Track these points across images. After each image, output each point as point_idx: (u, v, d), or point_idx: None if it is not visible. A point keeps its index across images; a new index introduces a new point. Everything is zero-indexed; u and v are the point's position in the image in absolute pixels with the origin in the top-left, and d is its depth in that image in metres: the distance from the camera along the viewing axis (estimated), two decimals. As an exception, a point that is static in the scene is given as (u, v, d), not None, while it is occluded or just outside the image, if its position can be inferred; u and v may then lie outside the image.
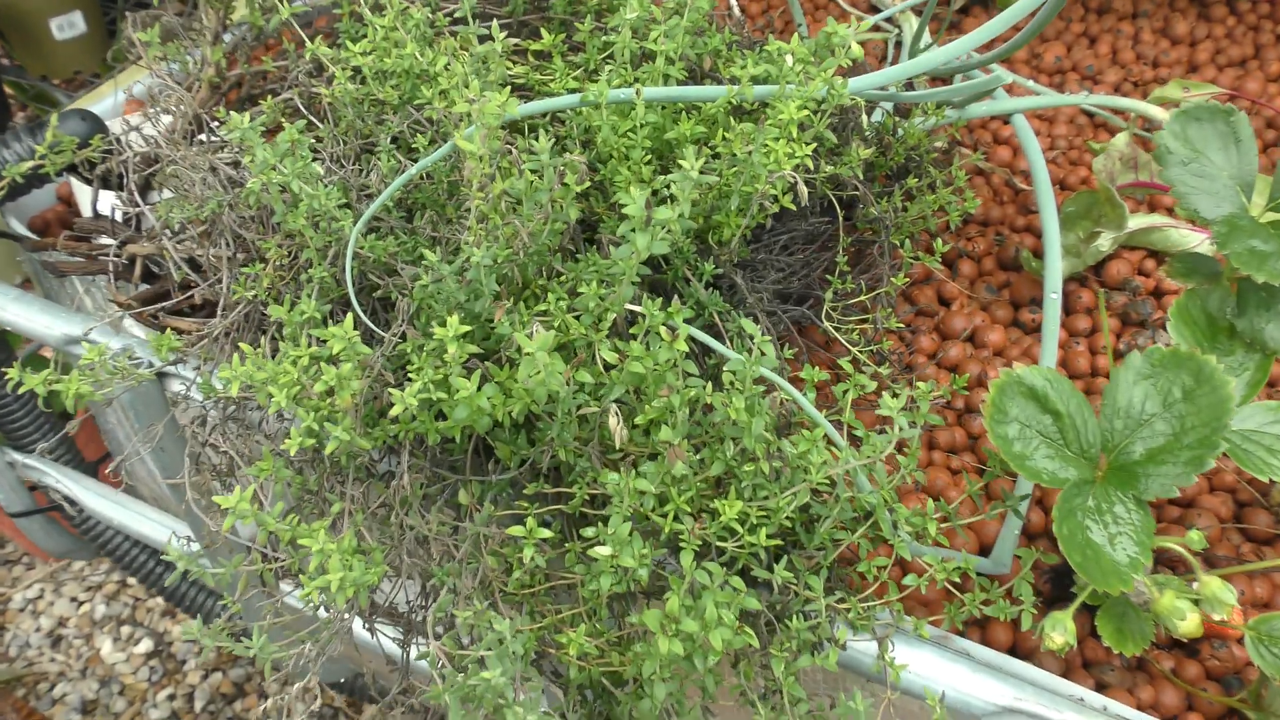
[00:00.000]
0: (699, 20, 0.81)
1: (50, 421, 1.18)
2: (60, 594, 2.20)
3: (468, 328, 0.55)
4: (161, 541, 1.09)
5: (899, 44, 1.28)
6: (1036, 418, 0.62)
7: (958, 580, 0.63)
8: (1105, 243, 0.93)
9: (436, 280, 0.58)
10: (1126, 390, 0.62)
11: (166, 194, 0.94)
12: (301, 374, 0.59)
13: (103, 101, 1.18)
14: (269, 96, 0.98)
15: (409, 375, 0.57)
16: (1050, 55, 1.27)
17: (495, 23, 0.72)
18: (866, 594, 0.64)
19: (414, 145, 0.73)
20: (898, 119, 0.92)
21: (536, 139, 0.78)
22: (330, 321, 0.68)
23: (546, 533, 0.57)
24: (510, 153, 0.64)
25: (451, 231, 0.71)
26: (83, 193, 1.04)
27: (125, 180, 0.84)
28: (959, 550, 0.72)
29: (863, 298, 0.81)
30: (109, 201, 0.98)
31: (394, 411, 0.55)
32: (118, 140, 0.95)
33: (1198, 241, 0.95)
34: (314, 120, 0.88)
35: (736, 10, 1.38)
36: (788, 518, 0.60)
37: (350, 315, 0.57)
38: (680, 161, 0.55)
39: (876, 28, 1.35)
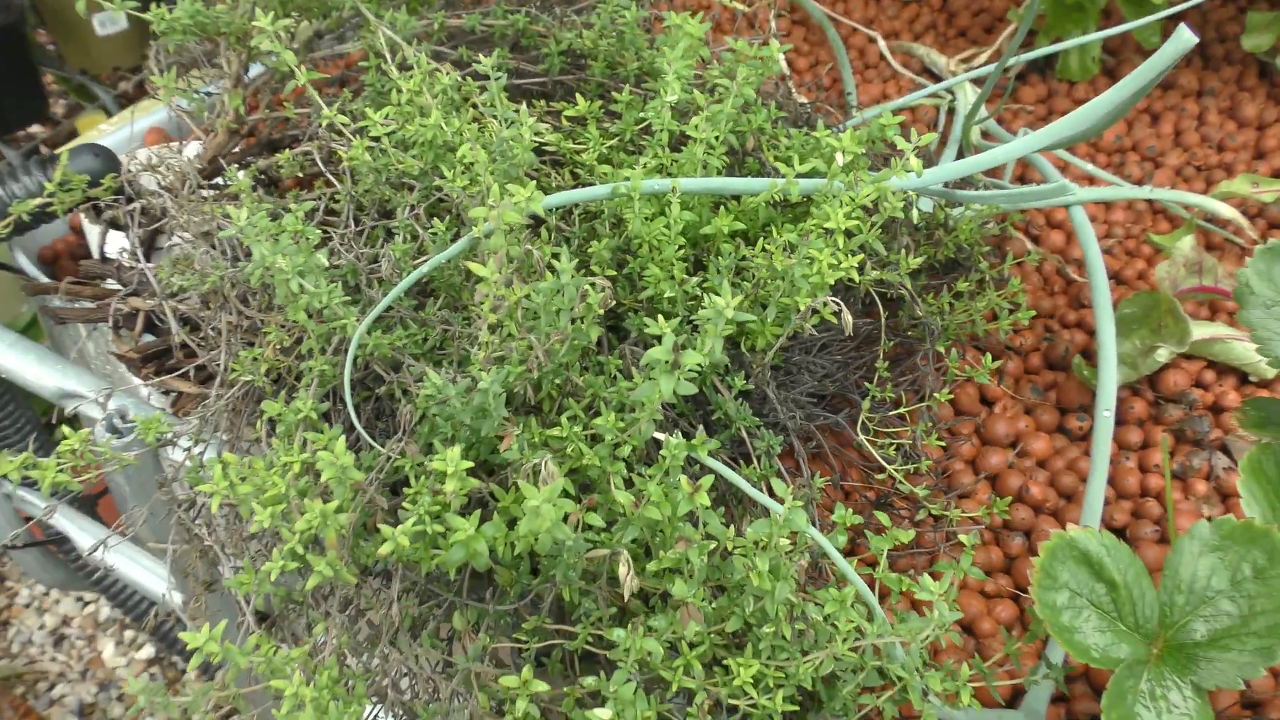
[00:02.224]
0: (747, 98, 0.76)
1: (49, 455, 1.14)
2: (66, 592, 2.18)
3: (469, 463, 0.50)
4: (153, 591, 1.05)
5: (951, 111, 1.23)
6: (1089, 585, 0.56)
7: (991, 754, 0.58)
8: (1164, 355, 0.87)
9: (442, 401, 0.53)
10: (1191, 562, 0.56)
11: (175, 241, 0.89)
12: (289, 489, 0.54)
13: (119, 132, 1.14)
14: (290, 146, 0.93)
15: (404, 503, 0.52)
16: (1110, 133, 1.21)
17: (524, 108, 0.67)
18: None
19: (431, 229, 0.68)
20: (948, 209, 0.86)
21: (566, 219, 0.73)
22: (330, 420, 0.63)
23: (542, 685, 0.52)
24: (531, 250, 0.59)
25: (464, 324, 0.67)
26: (92, 231, 1.00)
27: (130, 230, 0.80)
28: (989, 706, 0.67)
29: (903, 409, 0.76)
30: (118, 243, 0.94)
31: (382, 551, 0.50)
32: (127, 184, 0.91)
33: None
34: (331, 179, 0.83)
35: (784, 65, 1.33)
36: (809, 677, 0.55)
37: (341, 440, 0.52)
38: (711, 281, 0.50)
39: (934, 94, 1.29)
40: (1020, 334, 0.98)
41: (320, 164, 0.85)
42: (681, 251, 0.68)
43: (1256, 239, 1.02)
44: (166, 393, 0.89)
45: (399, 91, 0.76)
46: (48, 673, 2.04)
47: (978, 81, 1.20)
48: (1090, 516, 0.78)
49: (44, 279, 0.98)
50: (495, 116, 0.72)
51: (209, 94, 0.97)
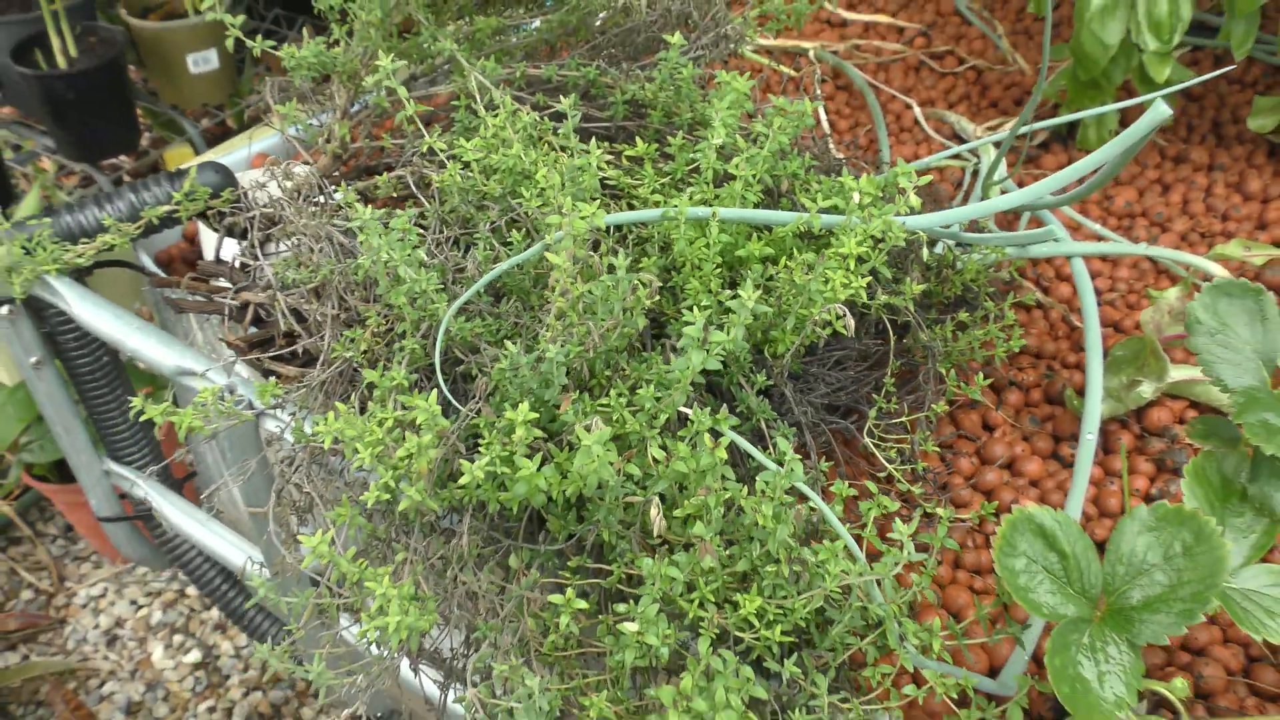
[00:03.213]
0: (783, 144, 0.89)
1: (147, 438, 1.28)
2: (122, 595, 2.31)
3: (534, 414, 0.62)
4: (233, 561, 1.18)
5: (975, 173, 1.35)
6: (1044, 555, 0.67)
7: (955, 696, 0.68)
8: (1147, 390, 0.97)
9: (514, 368, 0.66)
10: (1130, 540, 0.66)
11: (283, 248, 1.04)
12: (386, 435, 0.67)
13: (235, 153, 1.30)
14: (384, 171, 1.08)
15: (479, 448, 0.65)
16: (1121, 199, 1.33)
17: (593, 141, 0.81)
18: (869, 698, 0.69)
19: (509, 239, 0.82)
20: (957, 253, 0.98)
21: (621, 242, 0.86)
22: (417, 390, 0.76)
23: (583, 604, 0.64)
24: (593, 255, 0.72)
25: (532, 319, 0.79)
26: (208, 237, 1.15)
27: (249, 234, 0.94)
28: (968, 670, 0.77)
29: (904, 419, 0.87)
30: (231, 249, 1.09)
31: (463, 480, 0.62)
32: (245, 194, 1.06)
33: (1238, 398, 0.99)
34: (421, 199, 0.97)
35: (825, 124, 1.47)
36: (803, 618, 0.66)
37: (434, 390, 0.65)
38: (740, 291, 0.62)
39: (957, 155, 1.42)
40: (1024, 371, 1.09)
41: (413, 186, 0.99)
42: (718, 270, 0.81)
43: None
44: (267, 374, 1.03)
45: (486, 126, 0.90)
46: (99, 670, 2.17)
47: (999, 143, 1.33)
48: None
49: (165, 276, 1.13)
50: (567, 149, 0.86)
51: (315, 124, 1.12)
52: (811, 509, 0.68)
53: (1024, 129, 1.32)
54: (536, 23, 1.15)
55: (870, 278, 0.77)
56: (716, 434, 0.63)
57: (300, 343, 0.98)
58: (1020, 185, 1.35)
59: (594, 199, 0.80)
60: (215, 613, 2.24)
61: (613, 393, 0.68)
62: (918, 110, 1.48)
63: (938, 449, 0.93)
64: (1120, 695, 0.63)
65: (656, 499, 0.64)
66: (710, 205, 0.86)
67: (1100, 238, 1.25)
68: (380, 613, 0.63)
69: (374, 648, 0.71)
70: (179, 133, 2.58)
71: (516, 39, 1.13)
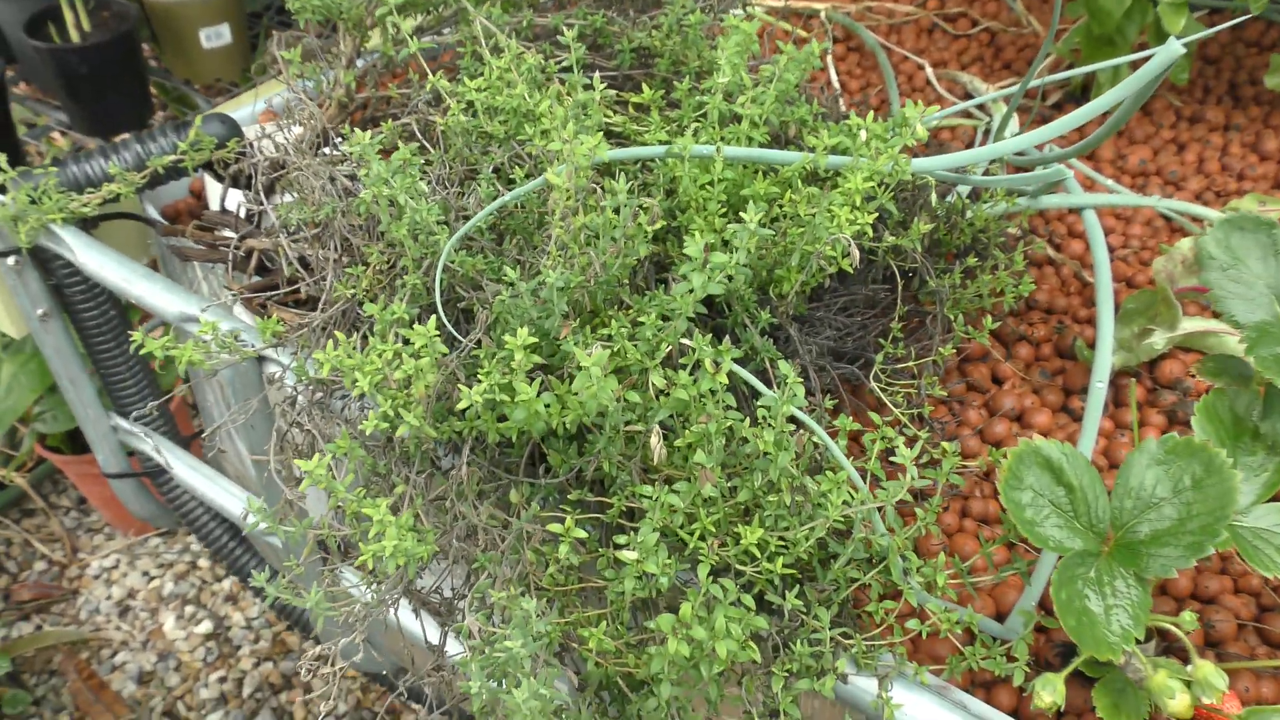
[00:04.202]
0: (788, 91, 0.88)
1: (155, 392, 1.28)
2: (134, 567, 2.32)
3: (534, 340, 0.62)
4: (235, 512, 1.18)
5: (988, 132, 1.33)
6: (1050, 488, 0.66)
7: (960, 633, 0.67)
8: (1159, 341, 0.96)
9: (515, 296, 0.65)
10: (1140, 473, 0.65)
11: (288, 198, 1.03)
12: (385, 365, 0.66)
13: (242, 109, 1.29)
14: (390, 120, 1.07)
15: (479, 378, 0.64)
16: (1136, 158, 1.31)
17: (597, 74, 0.80)
18: (872, 634, 0.68)
19: (512, 177, 0.81)
20: (968, 201, 0.97)
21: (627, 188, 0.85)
22: (418, 324, 0.76)
23: (582, 533, 0.63)
24: (595, 192, 0.71)
25: (534, 257, 0.79)
26: (213, 188, 1.15)
27: (253, 181, 0.94)
28: (975, 611, 0.76)
29: (911, 364, 0.86)
30: (236, 199, 1.08)
31: (460, 405, 0.61)
32: (251, 145, 1.05)
33: (1252, 350, 0.97)
34: (426, 145, 0.97)
35: (836, 83, 1.45)
36: (806, 551, 0.65)
37: (434, 319, 0.64)
38: (744, 215, 0.61)
39: (969, 114, 1.40)
40: (1034, 326, 1.08)
41: (418, 133, 0.98)
42: (722, 209, 0.80)
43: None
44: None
45: (491, 68, 0.89)
46: (111, 641, 2.18)
47: (1010, 99, 1.31)
48: (1078, 472, 0.87)
49: (171, 225, 1.13)
50: (571, 91, 0.85)
51: (324, 77, 1.12)
52: (815, 443, 0.67)
53: (1034, 83, 1.30)
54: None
55: (876, 214, 0.76)
56: (716, 363, 0.63)
57: (302, 286, 0.97)
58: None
59: (599, 133, 0.79)
60: (227, 584, 2.26)
61: (614, 324, 0.67)
62: (930, 71, 1.46)
63: (945, 396, 0.92)
64: (1127, 628, 0.62)
65: (657, 428, 0.63)
66: (714, 145, 0.85)
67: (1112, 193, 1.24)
68: (378, 539, 0.62)
69: (371, 591, 0.71)
70: (192, 108, 2.58)
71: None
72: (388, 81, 1.10)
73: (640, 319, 0.68)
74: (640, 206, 0.66)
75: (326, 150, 1.03)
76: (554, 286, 0.63)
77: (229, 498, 1.19)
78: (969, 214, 0.97)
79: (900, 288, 0.89)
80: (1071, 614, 0.62)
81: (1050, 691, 0.64)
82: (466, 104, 0.87)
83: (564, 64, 1.01)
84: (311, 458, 0.78)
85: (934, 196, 0.90)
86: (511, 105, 0.85)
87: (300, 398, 0.82)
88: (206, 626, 2.22)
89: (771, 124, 0.86)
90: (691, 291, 0.62)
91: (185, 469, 1.23)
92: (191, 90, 2.49)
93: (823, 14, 1.56)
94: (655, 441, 0.63)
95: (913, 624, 0.66)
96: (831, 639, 0.65)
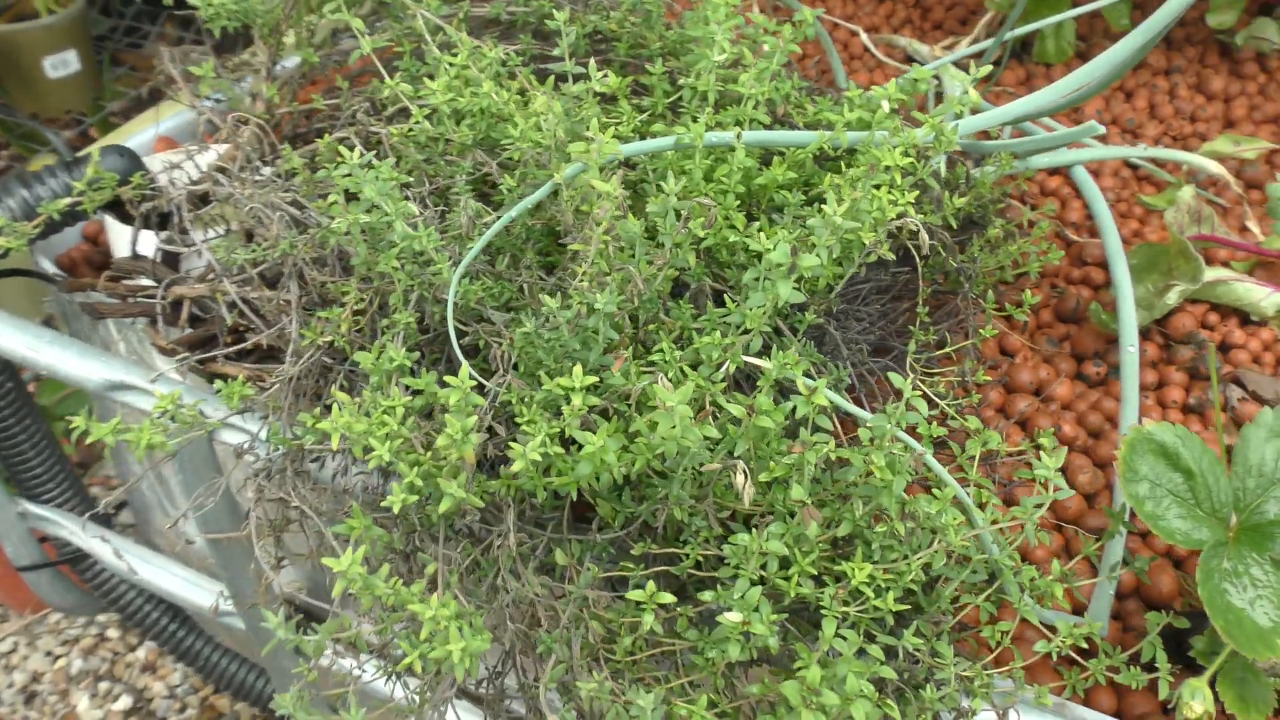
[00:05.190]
0: (773, 67, 0.80)
1: (65, 470, 1.13)
2: (35, 647, 2.13)
3: (592, 379, 0.52)
4: (191, 599, 1.04)
5: (939, 95, 1.28)
6: (1167, 475, 0.60)
7: (1084, 645, 0.60)
8: (1174, 296, 0.91)
9: (553, 328, 0.55)
10: (1259, 447, 0.60)
11: (212, 234, 0.90)
12: (401, 426, 0.55)
13: (137, 136, 1.15)
14: (322, 135, 0.95)
15: (521, 428, 0.54)
16: (1090, 108, 1.27)
17: (592, 61, 0.70)
18: (985, 660, 0.60)
19: (494, 186, 0.70)
20: (969, 168, 0.90)
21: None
22: (414, 371, 0.65)
23: (668, 597, 0.54)
24: (617, 196, 0.61)
25: (533, 277, 0.69)
26: (118, 231, 1.00)
27: (178, 218, 0.81)
28: (1054, 612, 0.70)
29: (949, 349, 0.79)
30: (149, 242, 0.94)
31: (515, 468, 0.51)
32: (165, 177, 0.92)
33: (1264, 295, 0.94)
34: (374, 161, 0.85)
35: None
36: (912, 581, 0.57)
37: (465, 366, 0.53)
38: (825, 206, 0.52)
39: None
40: (1030, 291, 1.02)
41: (361, 147, 0.86)
42: (738, 202, 0.71)
43: (1240, 194, 1.08)
44: (212, 378, 0.90)
45: (446, 67, 0.78)
46: (20, 731, 1.99)
47: (960, 65, 1.26)
48: (1127, 445, 0.81)
49: (75, 279, 0.98)
50: (534, 87, 0.75)
51: (240, 88, 0.99)
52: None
53: (979, 46, 1.25)
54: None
55: (918, 192, 0.68)
56: (808, 384, 0.54)
57: (261, 335, 0.85)
58: (993, 103, 1.29)
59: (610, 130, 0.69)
60: (142, 653, 2.08)
61: (665, 345, 0.57)
62: (864, 37, 1.40)
63: (988, 378, 0.85)
64: (1276, 620, 0.56)
65: (741, 465, 0.54)
66: (711, 130, 0.76)
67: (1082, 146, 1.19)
68: (430, 640, 0.52)
69: (397, 690, 0.60)
70: (41, 144, 2.36)
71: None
72: (309, 92, 0.97)
73: (683, 337, 0.59)
74: (693, 209, 0.56)
75: (246, 175, 0.90)
76: (603, 312, 0.54)
77: (179, 582, 1.05)
78: (971, 181, 0.91)
79: (921, 268, 0.82)
80: (1219, 613, 0.56)
81: (1200, 700, 0.58)
82: (430, 110, 0.76)
83: (523, 54, 0.90)
84: (285, 535, 0.67)
85: (943, 166, 0.83)
86: (479, 106, 0.75)
87: (276, 466, 0.70)
88: (125, 702, 2.04)
89: (773, 103, 0.77)
90: (773, 302, 0.53)
91: (120, 554, 1.08)
92: (39, 125, 2.28)
93: (743, -15, 1.48)
94: (741, 481, 0.54)
95: (1040, 645, 0.59)
96: (954, 675, 0.57)
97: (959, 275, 0.83)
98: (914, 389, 0.55)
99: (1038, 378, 0.95)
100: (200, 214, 0.88)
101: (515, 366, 0.61)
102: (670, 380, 0.57)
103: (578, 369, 0.52)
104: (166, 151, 1.08)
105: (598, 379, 0.57)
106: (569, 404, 0.53)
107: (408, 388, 0.61)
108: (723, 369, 0.56)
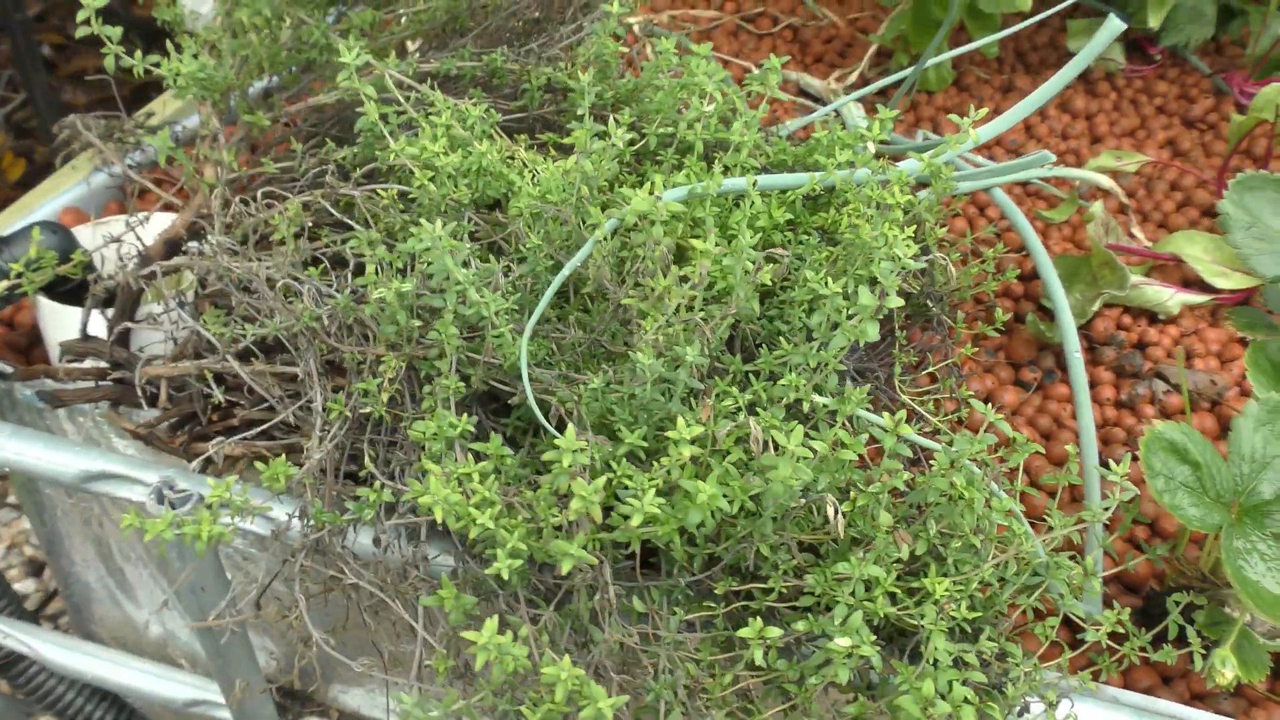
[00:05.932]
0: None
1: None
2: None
3: (699, 429, 0.54)
4: (151, 691, 0.98)
5: (843, 126, 1.35)
6: (1178, 469, 0.67)
7: (1121, 631, 0.66)
8: (1100, 303, 1.01)
9: (638, 383, 0.57)
10: (1249, 437, 0.67)
11: (159, 308, 0.86)
12: (492, 493, 0.56)
13: (35, 211, 1.08)
14: (276, 200, 0.92)
15: (624, 485, 0.55)
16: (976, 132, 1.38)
17: (612, 120, 0.72)
18: (1033, 655, 0.65)
19: (508, 246, 0.71)
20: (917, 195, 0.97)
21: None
22: (491, 435, 0.65)
23: (775, 631, 0.56)
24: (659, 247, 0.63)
25: (585, 331, 0.69)
26: (52, 312, 0.94)
27: (180, 301, 0.77)
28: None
29: (932, 368, 0.85)
30: (98, 322, 0.89)
31: (633, 522, 0.52)
32: (111, 252, 0.88)
33: (1169, 295, 1.04)
34: (352, 223, 0.84)
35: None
36: (977, 588, 0.62)
37: (571, 429, 0.54)
38: (895, 251, 0.56)
39: (808, 109, 1.42)
40: (956, 308, 1.10)
41: (333, 211, 0.85)
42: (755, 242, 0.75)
43: (1126, 202, 1.19)
44: (195, 458, 0.86)
45: (430, 126, 0.78)
46: None
47: (866, 103, 1.34)
48: (1087, 440, 0.89)
49: (10, 367, 0.92)
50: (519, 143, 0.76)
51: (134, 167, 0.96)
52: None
53: (873, 87, 1.34)
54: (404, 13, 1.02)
55: (914, 229, 0.73)
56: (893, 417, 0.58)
57: (234, 418, 0.82)
58: (904, 133, 1.38)
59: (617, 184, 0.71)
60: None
61: (734, 391, 0.60)
62: (757, 73, 1.46)
63: (969, 393, 0.91)
64: (1288, 588, 0.63)
65: (831, 498, 0.57)
66: (700, 179, 0.79)
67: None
68: (571, 702, 0.52)
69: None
70: None
71: (388, 36, 1.00)
72: (245, 159, 0.95)
73: (738, 380, 0.62)
74: (765, 260, 0.59)
75: (224, 243, 0.87)
76: (690, 363, 0.56)
77: (132, 673, 0.99)
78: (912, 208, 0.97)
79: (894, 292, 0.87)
80: (1246, 589, 0.62)
81: (1230, 667, 0.64)
82: (424, 167, 0.76)
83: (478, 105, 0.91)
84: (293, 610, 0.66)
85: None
86: (478, 165, 0.75)
87: (318, 545, 0.69)
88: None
89: (762, 149, 0.81)
90: (855, 341, 0.56)
91: (55, 650, 1.01)
92: None
93: (636, 28, 1.52)
94: (832, 513, 0.57)
95: (1090, 634, 0.65)
96: (1023, 674, 0.62)
97: (925, 298, 0.89)
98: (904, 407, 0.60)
99: (985, 387, 1.03)
100: (153, 285, 0.84)
101: (585, 423, 0.62)
102: (759, 423, 0.59)
103: (681, 421, 0.54)
104: (98, 225, 1.02)
105: (701, 429, 0.59)
106: (667, 456, 0.54)
107: (476, 454, 0.61)
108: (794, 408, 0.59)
